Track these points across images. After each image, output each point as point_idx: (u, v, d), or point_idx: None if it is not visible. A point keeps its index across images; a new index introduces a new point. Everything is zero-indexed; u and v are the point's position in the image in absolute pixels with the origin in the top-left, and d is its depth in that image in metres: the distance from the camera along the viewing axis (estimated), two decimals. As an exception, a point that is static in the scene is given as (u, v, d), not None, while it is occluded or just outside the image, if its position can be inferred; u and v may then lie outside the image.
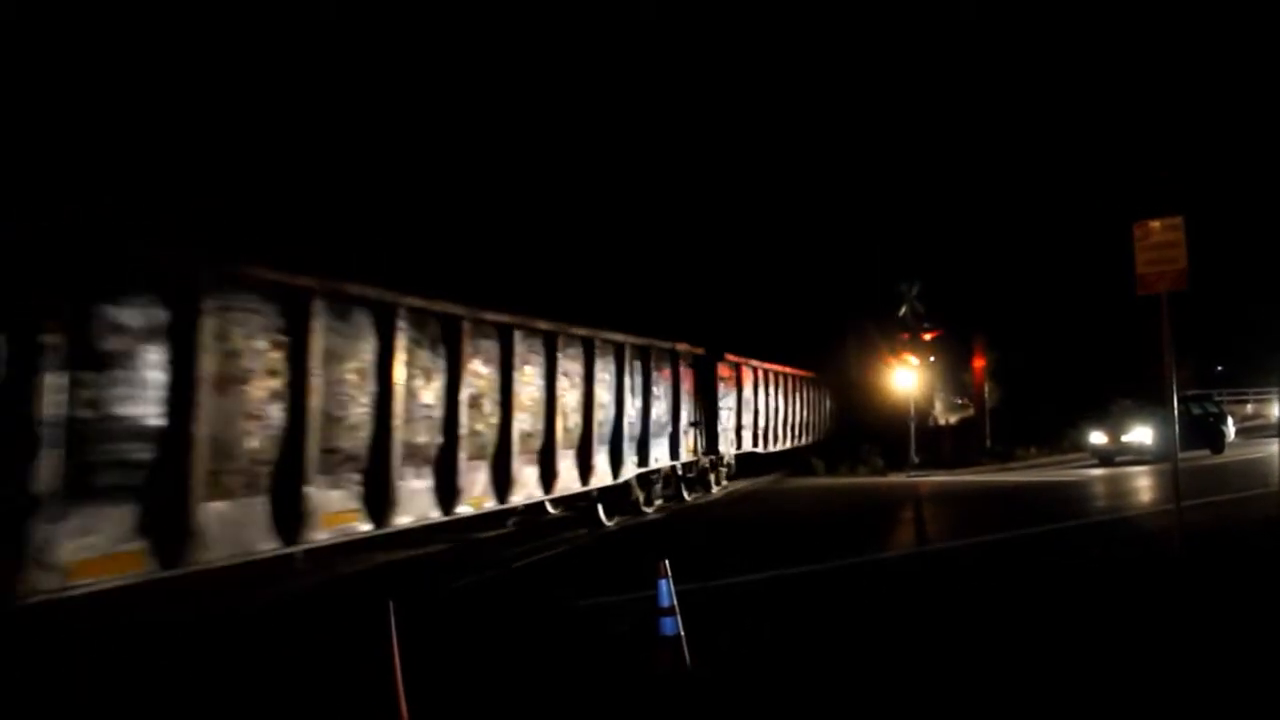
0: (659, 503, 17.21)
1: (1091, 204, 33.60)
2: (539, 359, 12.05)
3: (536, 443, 11.90)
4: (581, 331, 13.31)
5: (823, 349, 34.08)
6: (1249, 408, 39.61)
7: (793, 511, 18.78)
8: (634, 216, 33.79)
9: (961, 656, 6.80)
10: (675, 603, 6.41)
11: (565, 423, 12.62)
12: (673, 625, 6.35)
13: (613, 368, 14.28)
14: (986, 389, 33.62)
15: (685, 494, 18.87)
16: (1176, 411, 10.77)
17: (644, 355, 15.64)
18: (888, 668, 6.56)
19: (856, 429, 31.84)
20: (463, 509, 10.17)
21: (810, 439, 29.71)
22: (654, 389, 15.85)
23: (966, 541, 12.54)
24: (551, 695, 6.35)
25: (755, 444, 22.99)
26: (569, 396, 12.83)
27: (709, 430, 19.12)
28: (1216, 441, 24.90)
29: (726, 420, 20.30)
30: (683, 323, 21.65)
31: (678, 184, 36.13)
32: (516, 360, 11.28)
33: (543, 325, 12.14)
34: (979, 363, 33.73)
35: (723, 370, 19.82)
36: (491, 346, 10.91)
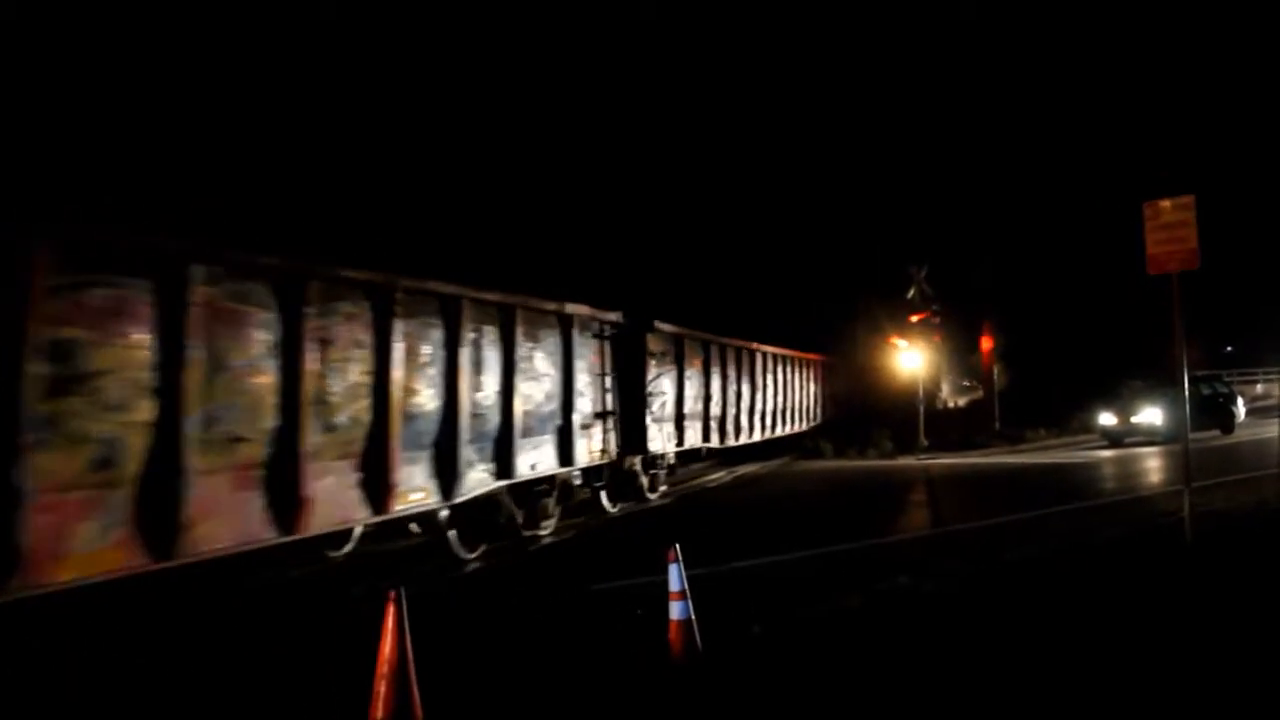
0: (552, 523, 12.36)
1: (1100, 183, 33.24)
2: (268, 318, 7.38)
3: (260, 452, 7.27)
4: (363, 276, 8.44)
5: (830, 332, 31.31)
6: (1259, 388, 37.88)
7: (790, 496, 17.18)
8: (638, 199, 33.60)
9: (971, 640, 6.43)
10: (686, 587, 6.06)
11: (329, 418, 7.95)
12: (683, 609, 6.07)
13: (439, 335, 9.55)
14: (995, 370, 31.23)
15: (607, 505, 14.29)
16: (1187, 392, 10.23)
17: (504, 319, 10.74)
18: (893, 662, 6.06)
19: (865, 412, 29.71)
20: (47, 579, 5.66)
21: (801, 426, 25.36)
22: (525, 367, 11.13)
23: (976, 524, 11.97)
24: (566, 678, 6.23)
25: (708, 437, 17.91)
26: (337, 377, 8.08)
27: (632, 422, 14.40)
28: (1227, 422, 23.87)
29: (661, 409, 15.44)
30: (684, 309, 21.44)
31: (683, 169, 35.91)
32: (195, 318, 6.66)
33: (269, 262, 7.43)
34: (987, 344, 31.16)
35: (654, 344, 15.09)
36: (135, 292, 6.32)
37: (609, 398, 13.67)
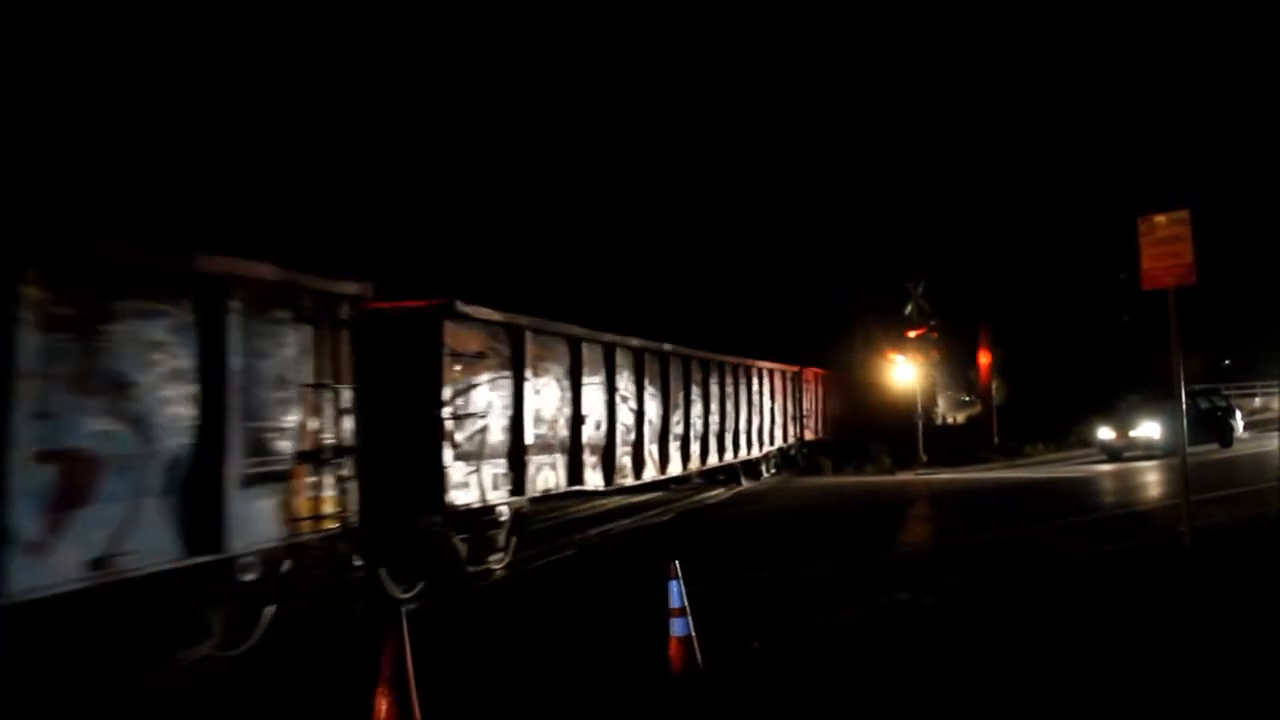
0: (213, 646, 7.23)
1: (1097, 198, 33.36)
2: None
3: None
4: None
5: (828, 347, 31.50)
6: (1257, 401, 38.04)
7: (789, 512, 16.78)
8: (644, 217, 33.69)
9: (970, 654, 6.48)
10: (686, 604, 6.08)
11: None
12: (684, 626, 6.10)
13: None
14: (993, 385, 31.22)
15: (393, 590, 9.32)
16: (1184, 406, 10.15)
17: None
18: (892, 678, 6.07)
19: (863, 427, 29.53)
20: None
21: (759, 450, 21.45)
22: (78, 371, 5.96)
23: (976, 539, 11.88)
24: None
25: (579, 476, 12.55)
26: None
27: (416, 460, 9.47)
28: (1225, 435, 23.83)
29: (478, 438, 10.28)
30: (691, 327, 21.29)
31: (684, 184, 36.02)
32: None
33: None
34: (985, 359, 31.08)
35: (461, 338, 10.00)
36: None
37: (346, 423, 8.31)
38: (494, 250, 25.70)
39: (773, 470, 23.63)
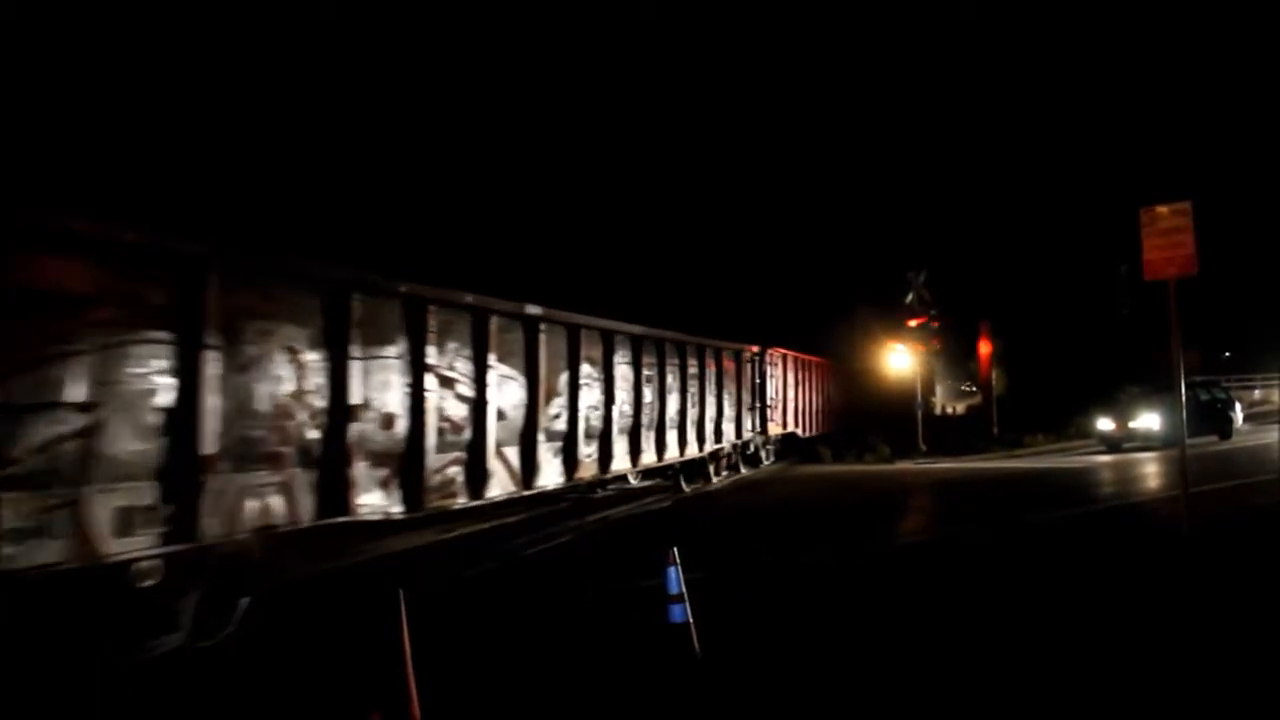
0: None
1: (1098, 189, 33.38)
2: None
3: None
4: None
5: (828, 336, 31.35)
6: (1256, 393, 38.21)
7: (790, 500, 17.31)
8: (647, 210, 33.68)
9: (977, 638, 6.59)
10: (684, 590, 6.12)
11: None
12: (681, 613, 6.12)
13: None
14: (993, 376, 31.20)
15: None
16: (1184, 398, 10.20)
17: None
18: (889, 671, 6.05)
19: (862, 417, 29.61)
20: None
21: (695, 449, 16.50)
22: None
23: (974, 529, 11.98)
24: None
25: (340, 501, 7.98)
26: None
27: None
28: (1224, 427, 23.75)
29: (75, 444, 5.77)
30: (688, 317, 21.10)
31: (687, 175, 36.02)
32: None
33: None
34: (985, 349, 31.20)
35: (41, 270, 5.73)
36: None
37: None
38: (491, 248, 25.71)
39: (724, 472, 19.63)
